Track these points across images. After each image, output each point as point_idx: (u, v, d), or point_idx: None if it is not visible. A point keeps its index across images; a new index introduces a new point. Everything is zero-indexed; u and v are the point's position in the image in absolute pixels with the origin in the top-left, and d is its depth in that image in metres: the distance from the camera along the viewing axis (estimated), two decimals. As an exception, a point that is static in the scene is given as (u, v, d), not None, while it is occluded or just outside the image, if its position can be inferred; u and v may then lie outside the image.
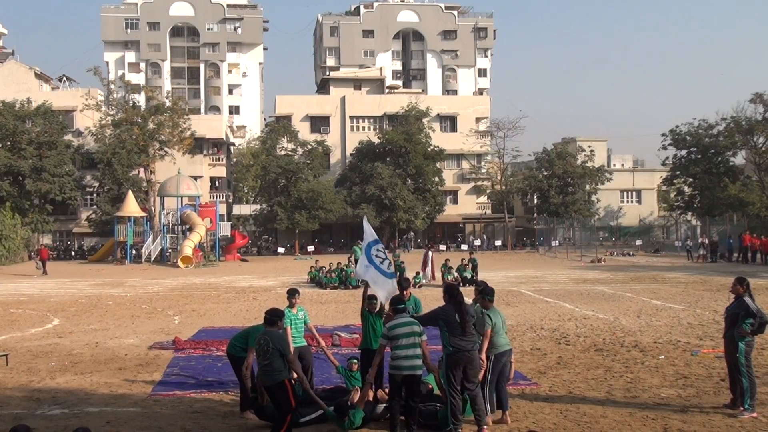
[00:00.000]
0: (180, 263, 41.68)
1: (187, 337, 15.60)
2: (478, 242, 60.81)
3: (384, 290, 9.90)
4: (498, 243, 60.67)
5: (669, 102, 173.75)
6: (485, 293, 9.39)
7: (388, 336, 8.31)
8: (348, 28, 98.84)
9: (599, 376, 11.53)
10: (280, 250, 56.50)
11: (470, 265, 29.50)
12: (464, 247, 58.69)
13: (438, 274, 29.88)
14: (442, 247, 57.92)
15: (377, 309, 9.96)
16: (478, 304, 9.29)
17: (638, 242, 59.57)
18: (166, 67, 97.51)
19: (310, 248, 55.15)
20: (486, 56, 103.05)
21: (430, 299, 23.35)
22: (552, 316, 18.48)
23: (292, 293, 10.43)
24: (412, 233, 59.67)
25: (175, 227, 48.58)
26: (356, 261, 28.52)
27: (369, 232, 10.43)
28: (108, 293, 26.67)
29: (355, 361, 10.41)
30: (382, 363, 8.82)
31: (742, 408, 9.09)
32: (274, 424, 8.13)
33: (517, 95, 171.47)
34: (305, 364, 9.96)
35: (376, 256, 10.08)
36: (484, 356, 8.83)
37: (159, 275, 36.42)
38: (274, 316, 8.61)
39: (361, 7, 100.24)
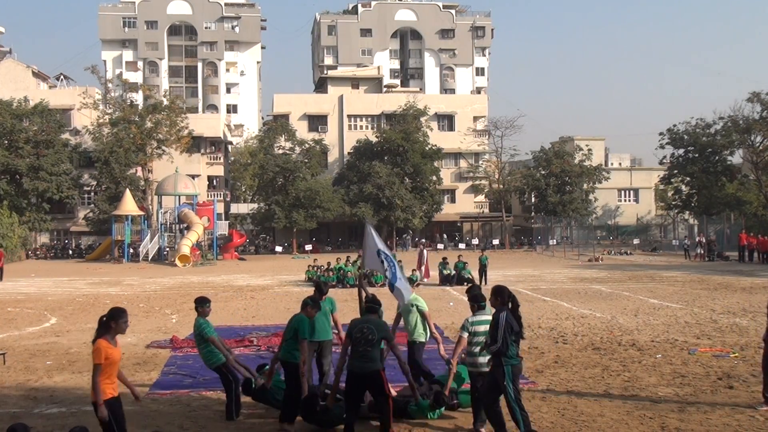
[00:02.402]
0: (177, 262, 41.66)
1: (185, 336, 15.58)
2: (475, 241, 60.81)
3: (408, 292, 10.03)
4: (495, 242, 60.69)
5: (667, 101, 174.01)
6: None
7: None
8: (346, 27, 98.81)
9: (597, 374, 11.53)
10: (278, 249, 56.49)
11: (466, 264, 29.43)
12: (462, 246, 58.72)
13: (434, 273, 29.89)
14: (440, 246, 57.93)
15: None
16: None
17: (636, 241, 59.65)
18: (164, 65, 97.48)
19: (308, 247, 55.16)
20: (484, 55, 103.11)
21: (427, 298, 23.36)
22: (549, 315, 18.49)
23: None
24: (410, 232, 59.62)
25: (173, 226, 48.55)
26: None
27: (372, 242, 10.35)
28: (105, 292, 26.65)
29: None
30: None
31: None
32: (381, 418, 8.05)
33: (515, 94, 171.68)
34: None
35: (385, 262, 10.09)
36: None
37: (156, 274, 36.39)
38: (375, 304, 8.70)
39: (359, 5, 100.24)
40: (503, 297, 7.90)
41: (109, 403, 6.66)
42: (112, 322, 6.98)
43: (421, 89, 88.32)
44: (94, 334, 7.19)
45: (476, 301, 8.67)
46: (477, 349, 8.23)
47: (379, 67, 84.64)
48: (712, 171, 57.00)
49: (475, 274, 28.35)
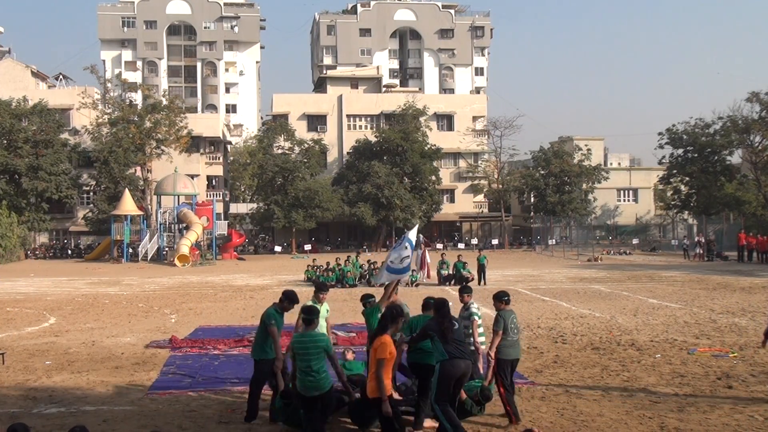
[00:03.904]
0: (177, 262, 41.64)
1: (184, 336, 15.59)
2: (474, 240, 60.82)
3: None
4: (495, 242, 60.71)
5: (666, 101, 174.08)
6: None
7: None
8: (345, 27, 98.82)
9: (596, 374, 11.54)
10: (277, 248, 56.49)
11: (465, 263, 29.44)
12: (461, 245, 58.71)
13: (433, 272, 29.89)
14: (439, 246, 57.92)
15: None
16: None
17: (635, 241, 59.65)
18: (163, 65, 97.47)
19: (307, 247, 55.15)
20: (483, 55, 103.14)
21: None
22: (549, 315, 18.49)
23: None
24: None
25: (172, 226, 48.54)
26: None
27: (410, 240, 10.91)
28: (105, 292, 26.64)
29: (352, 349, 10.64)
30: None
31: None
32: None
33: (514, 94, 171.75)
34: None
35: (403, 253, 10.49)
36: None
37: (156, 274, 36.38)
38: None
39: (358, 5, 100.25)
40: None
41: (389, 397, 6.91)
42: (400, 318, 7.36)
43: (420, 89, 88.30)
44: (376, 331, 7.44)
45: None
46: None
47: (378, 67, 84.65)
48: (711, 171, 57.02)
49: (475, 274, 28.46)
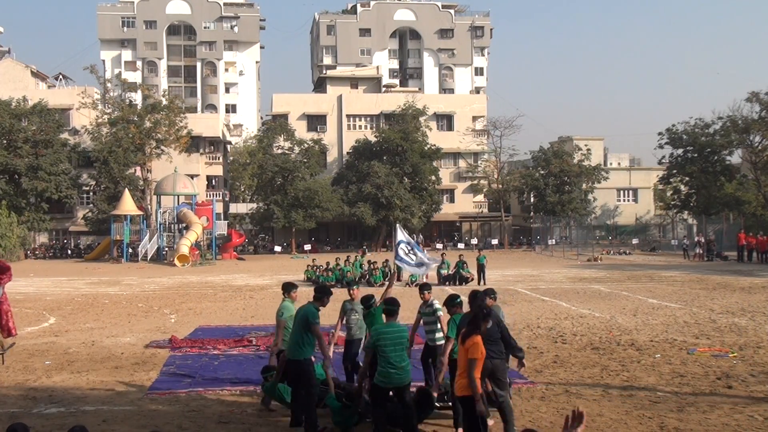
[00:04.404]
0: (176, 262, 41.64)
1: (184, 336, 15.59)
2: (474, 240, 60.82)
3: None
4: (494, 242, 60.71)
5: (666, 101, 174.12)
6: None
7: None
8: (345, 27, 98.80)
9: (596, 374, 11.54)
10: (277, 248, 56.49)
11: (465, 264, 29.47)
12: (461, 245, 58.71)
13: (432, 272, 29.90)
14: (439, 245, 57.93)
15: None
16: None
17: (635, 241, 59.66)
18: (163, 65, 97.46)
19: (307, 247, 55.14)
20: (483, 55, 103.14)
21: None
22: (548, 315, 18.49)
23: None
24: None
25: (172, 226, 48.53)
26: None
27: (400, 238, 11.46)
28: (104, 292, 26.63)
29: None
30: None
31: None
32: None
33: (514, 94, 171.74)
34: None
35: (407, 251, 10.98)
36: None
37: (155, 274, 36.38)
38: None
39: (358, 5, 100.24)
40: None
41: (470, 397, 6.92)
42: (489, 318, 7.33)
43: (420, 89, 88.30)
44: (466, 331, 7.26)
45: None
46: None
47: (378, 67, 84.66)
48: (711, 171, 57.01)
49: (474, 274, 28.48)
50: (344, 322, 10.70)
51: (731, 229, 50.97)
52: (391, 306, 8.28)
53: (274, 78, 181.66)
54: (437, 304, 9.96)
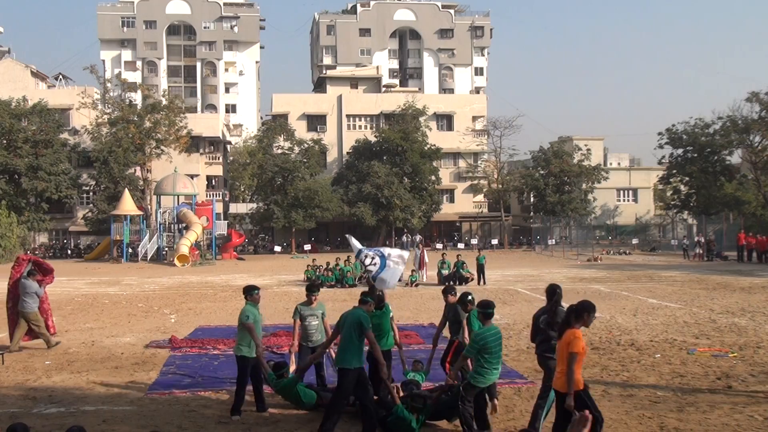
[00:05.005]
0: (176, 262, 41.63)
1: (184, 336, 15.59)
2: (474, 240, 60.81)
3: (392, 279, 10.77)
4: (494, 242, 60.71)
5: (665, 101, 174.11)
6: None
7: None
8: (345, 27, 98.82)
9: (595, 374, 11.53)
10: (277, 248, 56.48)
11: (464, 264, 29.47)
12: (461, 245, 58.73)
13: (432, 272, 29.94)
14: (439, 246, 57.93)
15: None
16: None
17: (634, 241, 59.64)
18: (163, 65, 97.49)
19: (307, 247, 55.12)
20: (483, 55, 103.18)
21: (426, 297, 23.39)
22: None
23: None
24: (406, 232, 59.42)
25: (172, 226, 48.53)
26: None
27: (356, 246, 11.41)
28: (104, 292, 26.62)
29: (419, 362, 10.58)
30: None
31: None
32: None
33: (514, 94, 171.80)
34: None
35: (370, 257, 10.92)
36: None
37: (155, 274, 36.37)
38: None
39: (358, 5, 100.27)
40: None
41: (583, 391, 6.99)
42: (586, 313, 7.27)
43: (419, 89, 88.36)
44: (562, 325, 7.38)
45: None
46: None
47: (377, 67, 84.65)
48: (710, 171, 57.00)
49: (474, 274, 28.47)
50: (299, 328, 10.29)
51: (731, 229, 50.96)
52: (490, 309, 8.41)
53: (274, 78, 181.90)
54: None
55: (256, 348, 9.34)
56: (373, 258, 11.27)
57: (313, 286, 10.55)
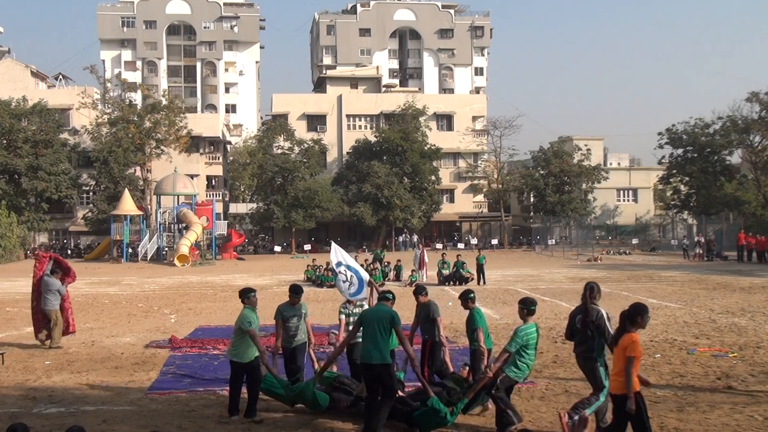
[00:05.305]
0: (176, 262, 41.63)
1: (184, 336, 15.59)
2: (474, 240, 60.83)
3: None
4: (494, 242, 60.71)
5: (665, 101, 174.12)
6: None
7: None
8: (345, 27, 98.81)
9: (595, 374, 11.51)
10: (277, 248, 56.49)
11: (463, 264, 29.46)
12: (461, 245, 58.73)
13: (432, 272, 29.95)
14: (439, 246, 57.91)
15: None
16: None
17: (634, 241, 59.65)
18: (163, 65, 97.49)
19: (307, 247, 55.13)
20: (483, 55, 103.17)
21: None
22: (548, 315, 18.48)
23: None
24: (406, 232, 59.41)
25: (172, 226, 48.53)
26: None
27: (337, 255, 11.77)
28: (104, 292, 26.62)
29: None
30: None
31: None
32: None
33: (514, 94, 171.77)
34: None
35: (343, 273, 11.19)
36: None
37: (155, 274, 36.37)
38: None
39: (358, 5, 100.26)
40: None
41: (637, 394, 7.03)
42: (639, 316, 7.25)
43: (419, 89, 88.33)
44: (618, 330, 7.37)
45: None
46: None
47: (377, 67, 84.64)
48: (710, 171, 57.01)
49: (474, 274, 28.47)
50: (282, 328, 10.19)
51: (731, 229, 50.94)
52: (533, 306, 8.69)
53: (274, 78, 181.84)
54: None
55: (261, 355, 9.16)
56: (350, 278, 11.33)
57: (298, 290, 10.31)
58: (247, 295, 9.49)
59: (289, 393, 9.36)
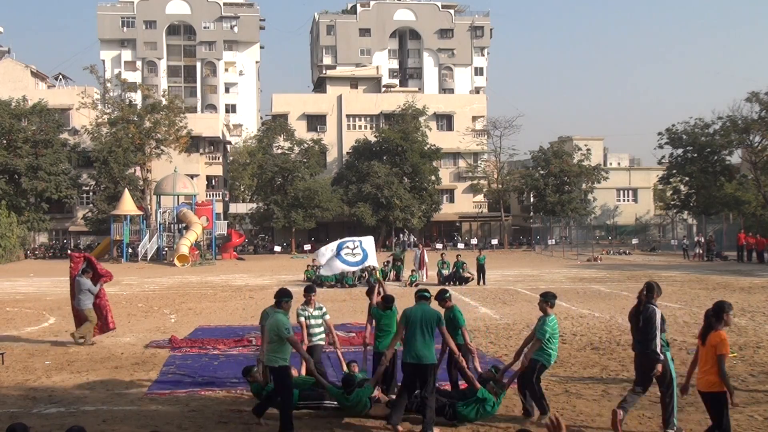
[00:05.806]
0: (176, 262, 41.63)
1: (184, 336, 15.59)
2: (474, 240, 60.82)
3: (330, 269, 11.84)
4: (494, 242, 60.71)
5: (665, 101, 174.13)
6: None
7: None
8: (344, 27, 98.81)
9: (595, 374, 11.55)
10: (277, 248, 56.48)
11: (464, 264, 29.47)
12: (461, 245, 58.72)
13: (432, 272, 29.95)
14: (439, 245, 57.91)
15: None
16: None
17: (634, 241, 59.64)
18: (163, 65, 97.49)
19: (307, 247, 55.09)
20: (482, 55, 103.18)
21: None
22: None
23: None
24: (406, 232, 59.39)
25: (172, 226, 48.53)
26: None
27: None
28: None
29: (355, 363, 10.35)
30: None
31: None
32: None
33: (514, 94, 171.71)
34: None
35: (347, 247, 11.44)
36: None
37: (155, 274, 36.38)
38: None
39: (358, 5, 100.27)
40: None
41: (716, 394, 7.25)
42: (724, 314, 7.42)
43: (419, 89, 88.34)
44: (705, 328, 7.50)
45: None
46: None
47: (377, 67, 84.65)
48: (710, 171, 57.00)
49: (474, 274, 28.47)
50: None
51: (731, 229, 50.94)
52: (555, 299, 9.23)
53: (274, 78, 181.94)
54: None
55: (307, 363, 8.95)
56: (353, 250, 11.52)
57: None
58: (284, 298, 8.92)
59: (344, 401, 9.08)
